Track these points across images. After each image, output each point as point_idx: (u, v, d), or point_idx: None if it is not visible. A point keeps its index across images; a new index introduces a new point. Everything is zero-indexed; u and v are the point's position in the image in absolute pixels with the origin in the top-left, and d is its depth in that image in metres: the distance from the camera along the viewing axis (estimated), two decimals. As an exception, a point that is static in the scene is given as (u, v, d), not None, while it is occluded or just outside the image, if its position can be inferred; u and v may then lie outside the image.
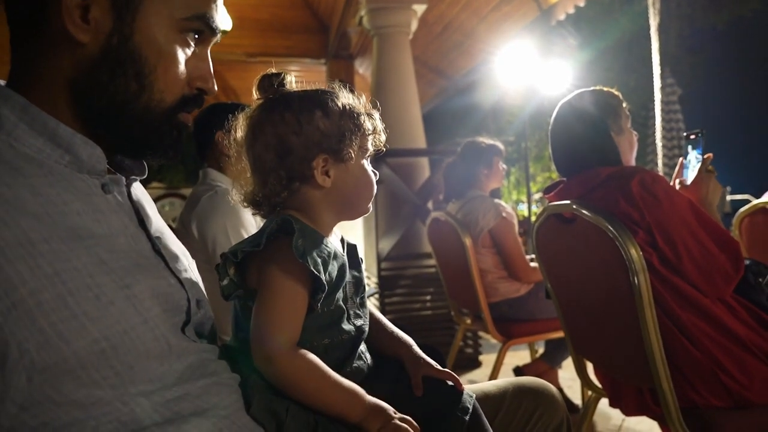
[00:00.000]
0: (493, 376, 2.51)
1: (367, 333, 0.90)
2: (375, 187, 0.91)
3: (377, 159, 3.79)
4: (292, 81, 0.87)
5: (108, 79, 0.70)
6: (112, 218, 0.71)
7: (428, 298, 3.54)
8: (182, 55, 0.73)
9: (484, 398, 0.97)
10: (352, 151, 0.85)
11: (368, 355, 0.90)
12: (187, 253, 0.87)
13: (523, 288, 2.56)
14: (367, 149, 0.89)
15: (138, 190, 0.82)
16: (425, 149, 4.15)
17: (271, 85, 0.86)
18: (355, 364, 0.86)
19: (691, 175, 1.58)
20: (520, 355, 3.44)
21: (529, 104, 7.32)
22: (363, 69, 7.29)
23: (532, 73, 5.93)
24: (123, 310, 0.65)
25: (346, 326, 0.85)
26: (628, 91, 12.97)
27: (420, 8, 4.45)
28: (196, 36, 0.74)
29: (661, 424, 1.50)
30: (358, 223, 3.82)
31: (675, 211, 1.34)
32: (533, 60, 5.69)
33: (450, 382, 0.88)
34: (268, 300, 0.79)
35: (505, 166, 2.77)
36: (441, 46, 6.58)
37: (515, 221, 2.62)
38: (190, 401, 0.69)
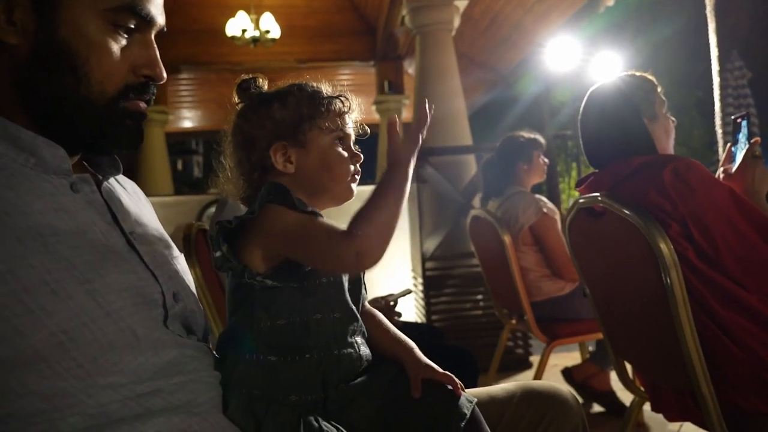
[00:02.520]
0: (537, 378, 2.42)
1: (361, 322, 0.89)
2: (348, 166, 0.90)
3: (420, 158, 3.77)
4: (265, 83, 0.92)
5: (45, 76, 0.71)
6: (80, 216, 0.72)
7: (479, 297, 3.45)
8: (117, 45, 0.73)
9: (489, 402, 0.93)
10: (310, 134, 0.88)
11: (364, 348, 0.88)
12: (173, 246, 0.87)
13: (567, 286, 2.46)
14: (335, 129, 0.90)
15: (118, 189, 0.84)
16: (464, 147, 4.02)
17: (246, 89, 0.91)
18: (345, 351, 0.85)
19: (737, 161, 1.46)
20: (573, 356, 3.31)
21: (584, 93, 7.05)
22: (412, 69, 7.27)
23: (586, 60, 5.72)
24: (83, 304, 0.66)
25: (339, 303, 0.86)
26: (697, 77, 12.25)
27: (461, 4, 4.36)
28: (132, 25, 0.74)
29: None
30: (404, 224, 3.77)
31: (711, 201, 1.24)
32: (585, 48, 5.49)
33: (449, 386, 0.85)
34: (301, 229, 0.80)
35: (546, 160, 2.67)
36: (488, 42, 6.46)
37: (558, 217, 2.52)
38: (162, 397, 0.70)
